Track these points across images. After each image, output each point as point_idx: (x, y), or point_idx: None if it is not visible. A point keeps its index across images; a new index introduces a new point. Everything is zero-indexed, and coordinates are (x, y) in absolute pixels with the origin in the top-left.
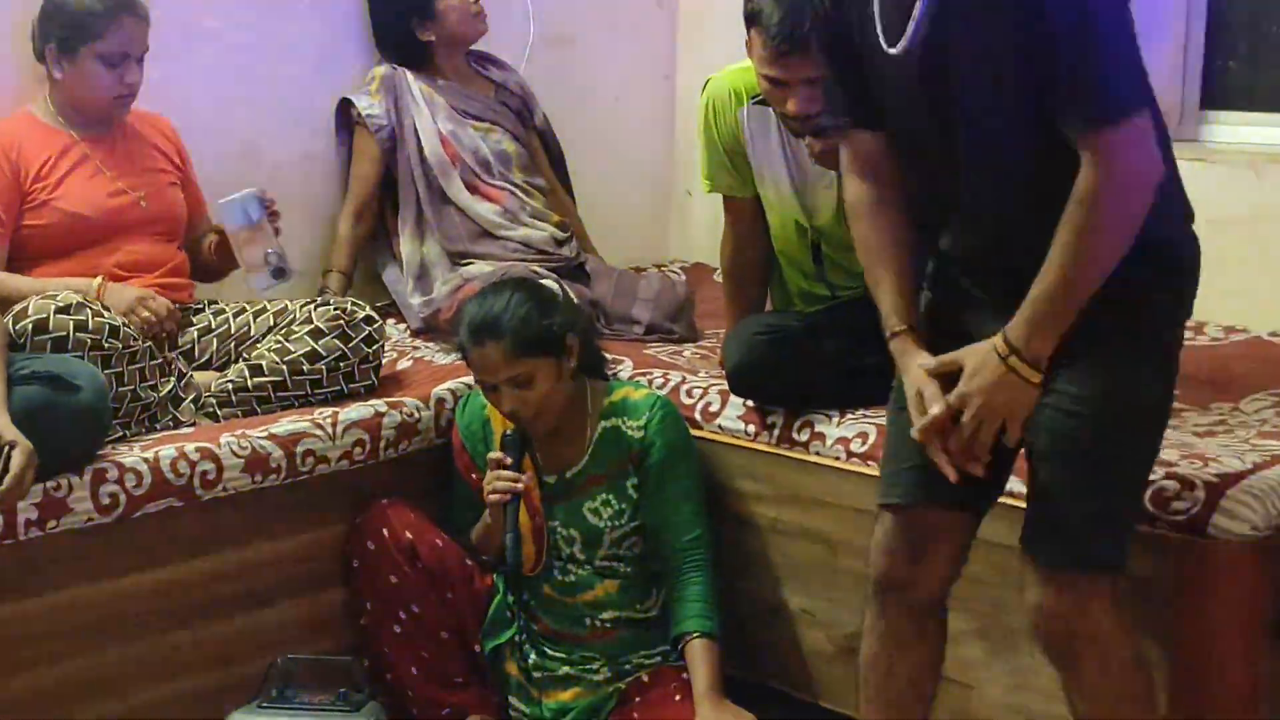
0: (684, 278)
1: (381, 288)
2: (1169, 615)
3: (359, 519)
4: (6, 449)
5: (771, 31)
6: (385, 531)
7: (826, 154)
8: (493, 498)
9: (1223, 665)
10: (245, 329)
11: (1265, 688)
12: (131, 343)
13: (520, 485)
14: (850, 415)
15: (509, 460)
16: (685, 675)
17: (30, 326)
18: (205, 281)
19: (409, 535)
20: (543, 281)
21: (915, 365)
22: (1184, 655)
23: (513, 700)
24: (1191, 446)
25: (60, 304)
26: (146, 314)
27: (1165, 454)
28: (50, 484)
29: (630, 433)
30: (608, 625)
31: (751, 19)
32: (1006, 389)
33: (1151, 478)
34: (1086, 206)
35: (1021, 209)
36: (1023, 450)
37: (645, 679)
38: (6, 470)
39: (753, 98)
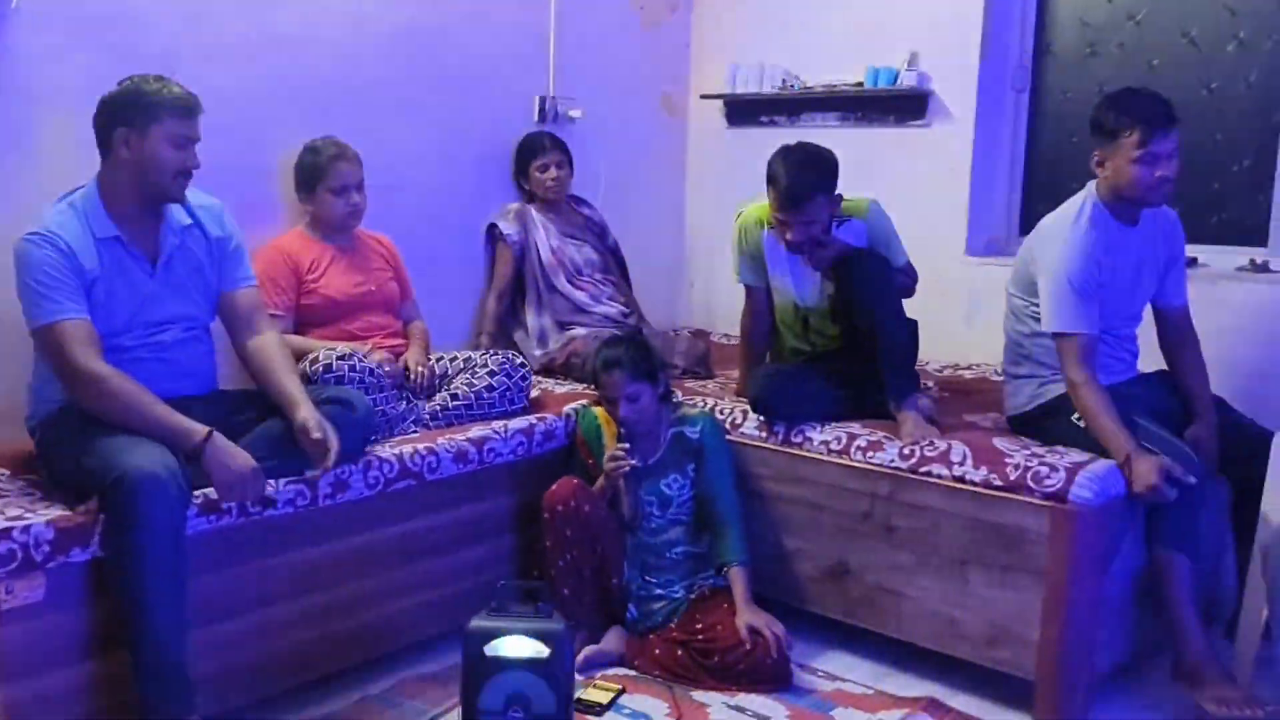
0: (687, 335)
1: (512, 343)
2: (1042, 558)
3: (553, 486)
4: (328, 439)
5: (780, 193)
6: (571, 501)
7: (817, 258)
8: (617, 468)
9: (1079, 590)
10: (445, 370)
11: (1110, 604)
12: (379, 378)
13: (634, 462)
14: (829, 426)
15: (627, 447)
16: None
17: (320, 367)
18: None
19: (584, 505)
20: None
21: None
22: (1052, 582)
23: (631, 607)
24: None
25: (339, 354)
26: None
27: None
28: (340, 471)
29: (690, 435)
30: (679, 556)
31: (769, 180)
32: None
33: (1027, 464)
34: None
35: None
36: None
37: (706, 593)
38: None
39: (770, 225)
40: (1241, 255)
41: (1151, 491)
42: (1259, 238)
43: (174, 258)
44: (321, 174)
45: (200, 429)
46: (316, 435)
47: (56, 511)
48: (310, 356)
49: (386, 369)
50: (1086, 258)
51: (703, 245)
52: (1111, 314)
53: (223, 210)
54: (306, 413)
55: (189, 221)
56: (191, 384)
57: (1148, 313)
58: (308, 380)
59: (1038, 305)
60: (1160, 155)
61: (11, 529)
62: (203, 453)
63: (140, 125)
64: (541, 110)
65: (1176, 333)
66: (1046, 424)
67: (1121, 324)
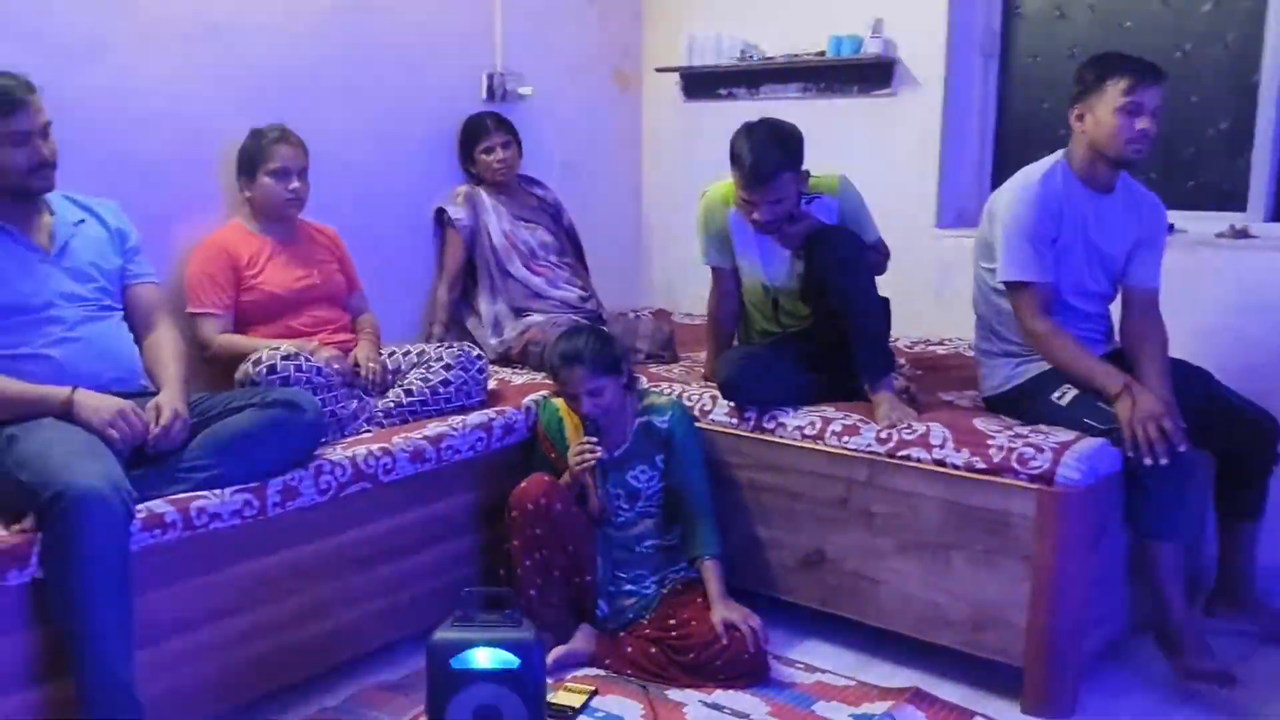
0: (649, 317)
1: (465, 331)
2: (1028, 541)
3: (522, 484)
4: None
5: (744, 172)
6: (542, 499)
7: (787, 237)
8: (583, 463)
9: (1068, 573)
10: (398, 365)
11: (1099, 586)
12: (328, 377)
13: (600, 454)
14: (802, 410)
15: (595, 440)
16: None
17: (265, 368)
18: None
19: (555, 503)
20: (604, 328)
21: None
22: (1040, 565)
23: (601, 603)
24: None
25: (284, 353)
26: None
27: (986, 426)
28: (288, 476)
29: (659, 425)
30: (649, 550)
31: (733, 159)
32: None
33: (1011, 446)
34: None
35: None
36: None
37: (679, 587)
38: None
39: (736, 204)
40: (1219, 221)
41: (1154, 424)
42: (1237, 203)
43: (70, 244)
44: (262, 157)
45: (63, 389)
46: (160, 421)
47: None
48: (253, 357)
49: (335, 366)
50: (1039, 207)
51: (661, 223)
52: (1074, 284)
53: (118, 209)
54: (162, 398)
55: (81, 216)
56: (108, 367)
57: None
58: (252, 383)
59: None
60: (1144, 107)
61: None
62: (71, 409)
63: None
64: (490, 88)
65: (1143, 320)
66: (1025, 405)
67: (1086, 300)
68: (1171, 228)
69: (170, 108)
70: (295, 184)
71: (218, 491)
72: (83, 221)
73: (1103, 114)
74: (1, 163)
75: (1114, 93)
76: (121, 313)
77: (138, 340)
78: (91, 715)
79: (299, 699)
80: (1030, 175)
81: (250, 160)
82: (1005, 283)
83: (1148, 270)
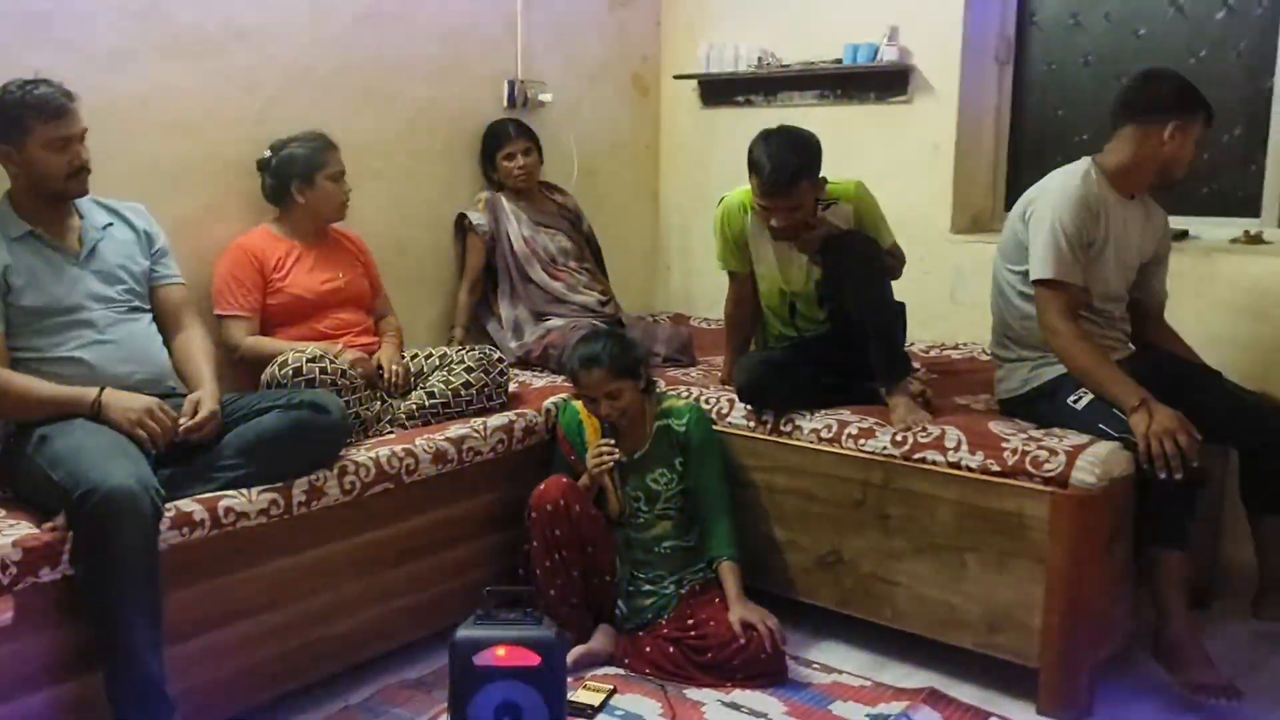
0: (668, 321)
1: (486, 335)
2: (1042, 543)
3: (541, 486)
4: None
5: (763, 179)
6: (561, 500)
7: (804, 242)
8: (601, 465)
9: (1081, 576)
10: (420, 368)
11: (1111, 590)
12: (353, 380)
13: (618, 455)
14: (818, 413)
15: (612, 442)
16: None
17: (290, 371)
18: None
19: (574, 505)
20: (623, 331)
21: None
22: (1053, 568)
23: (620, 604)
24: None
25: (309, 356)
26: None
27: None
28: (313, 477)
29: (677, 428)
30: (667, 551)
31: (751, 167)
32: None
33: (1025, 448)
34: None
35: None
36: None
37: (697, 588)
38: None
39: (754, 210)
40: (1233, 227)
41: (1170, 439)
42: (1251, 208)
43: (98, 247)
44: (321, 162)
45: (92, 390)
46: (197, 416)
47: (23, 530)
48: (279, 360)
49: (359, 369)
50: (1083, 207)
51: (679, 228)
52: (1101, 288)
53: (146, 211)
54: (203, 393)
55: (109, 220)
56: (138, 368)
57: None
58: (278, 384)
59: (1028, 277)
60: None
61: None
62: (100, 410)
63: (14, 139)
64: (511, 95)
65: (1160, 326)
66: (1040, 408)
67: (1110, 304)
68: (1185, 234)
69: (198, 113)
70: (348, 186)
71: (245, 491)
72: (110, 225)
73: (1188, 141)
74: (43, 167)
75: (1201, 122)
76: (150, 314)
77: (166, 341)
78: (122, 711)
79: (324, 696)
80: (1070, 177)
81: (308, 165)
82: (1036, 281)
83: (1163, 282)
